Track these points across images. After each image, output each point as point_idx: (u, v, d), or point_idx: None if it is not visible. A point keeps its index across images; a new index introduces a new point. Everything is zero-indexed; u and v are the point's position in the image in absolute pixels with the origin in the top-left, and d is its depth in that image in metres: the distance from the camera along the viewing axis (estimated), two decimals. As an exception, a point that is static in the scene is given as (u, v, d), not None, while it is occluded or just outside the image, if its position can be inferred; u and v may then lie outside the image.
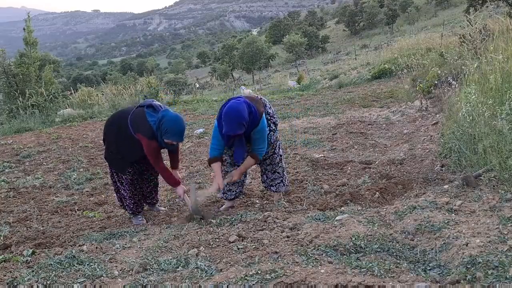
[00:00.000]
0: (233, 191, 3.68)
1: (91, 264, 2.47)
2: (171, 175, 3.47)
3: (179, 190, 3.48)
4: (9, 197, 4.55)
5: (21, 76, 12.21)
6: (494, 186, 2.96)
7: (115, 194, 3.78)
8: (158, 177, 3.79)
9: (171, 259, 2.48)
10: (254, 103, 3.27)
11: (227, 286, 2.05)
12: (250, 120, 3.17)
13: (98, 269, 2.39)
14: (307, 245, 2.48)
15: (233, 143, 3.31)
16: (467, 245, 2.17)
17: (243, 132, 3.18)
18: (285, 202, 3.64)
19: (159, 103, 3.47)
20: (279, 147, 3.65)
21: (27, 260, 2.63)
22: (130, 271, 2.38)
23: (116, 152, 3.49)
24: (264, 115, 3.32)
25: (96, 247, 2.77)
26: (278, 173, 3.67)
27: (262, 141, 3.33)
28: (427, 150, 4.61)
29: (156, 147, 3.34)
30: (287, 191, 3.90)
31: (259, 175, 3.93)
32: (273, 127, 3.49)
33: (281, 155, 3.68)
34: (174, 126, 3.24)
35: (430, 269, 2.12)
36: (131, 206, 3.62)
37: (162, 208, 3.91)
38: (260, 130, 3.28)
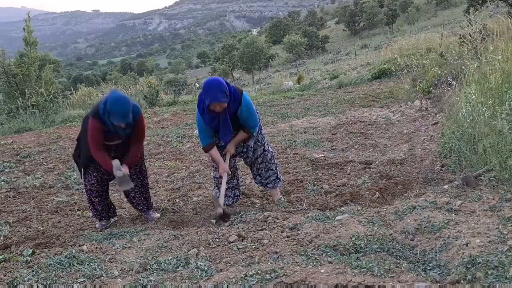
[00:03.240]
0: (229, 196, 3.66)
1: (91, 264, 2.47)
2: (105, 160, 3.27)
3: (114, 172, 3.28)
4: (9, 197, 4.55)
5: (21, 76, 12.18)
6: (494, 186, 2.96)
7: (86, 197, 3.63)
8: (146, 182, 3.70)
9: (171, 259, 2.48)
10: (232, 84, 3.34)
11: (227, 286, 2.05)
12: (231, 95, 3.21)
13: (98, 269, 2.39)
14: (307, 245, 2.48)
15: (218, 124, 3.30)
16: (467, 245, 2.17)
17: (226, 105, 3.18)
18: (285, 202, 3.64)
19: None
20: (267, 144, 3.66)
21: (27, 260, 2.63)
22: (130, 271, 2.38)
23: (80, 150, 3.46)
24: (245, 92, 3.36)
25: (96, 247, 2.77)
26: (272, 170, 3.67)
27: (252, 117, 3.36)
28: (427, 150, 4.61)
29: (97, 128, 3.19)
30: (284, 187, 3.88)
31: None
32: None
33: (271, 152, 3.69)
34: (116, 106, 3.09)
35: (430, 269, 2.12)
36: (100, 209, 3.53)
37: (156, 215, 3.70)
38: (245, 107, 3.30)
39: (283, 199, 3.71)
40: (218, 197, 3.36)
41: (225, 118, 3.27)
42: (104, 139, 3.28)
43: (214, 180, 3.69)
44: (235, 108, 3.28)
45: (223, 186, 3.39)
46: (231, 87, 3.25)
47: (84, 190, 3.61)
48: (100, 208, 3.53)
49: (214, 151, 3.42)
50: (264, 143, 3.61)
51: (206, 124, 3.32)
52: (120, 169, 3.27)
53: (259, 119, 3.56)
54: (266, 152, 3.61)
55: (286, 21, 77.23)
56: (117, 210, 3.96)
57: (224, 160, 3.44)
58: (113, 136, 3.30)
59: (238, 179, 3.77)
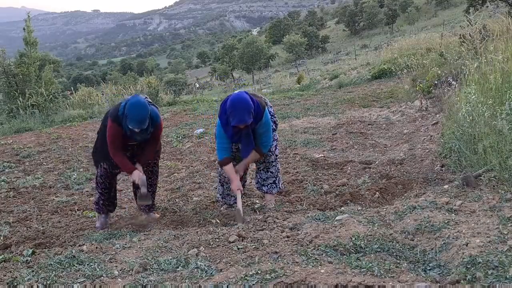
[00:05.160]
0: (232, 196, 3.66)
1: (91, 264, 2.47)
2: (126, 163, 3.31)
3: (134, 175, 3.32)
4: (9, 197, 4.55)
5: (21, 76, 12.19)
6: (494, 186, 2.96)
7: (95, 186, 3.66)
8: (156, 183, 3.72)
9: (171, 259, 2.48)
10: (255, 97, 3.28)
11: (227, 286, 2.05)
12: (255, 111, 3.16)
13: (98, 269, 2.39)
14: (307, 245, 2.48)
15: (240, 138, 3.26)
16: (467, 245, 2.17)
17: (250, 123, 3.15)
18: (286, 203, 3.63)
19: (148, 99, 3.45)
20: (275, 147, 3.61)
21: (27, 260, 2.63)
22: (130, 271, 2.38)
23: (97, 143, 3.50)
24: (266, 108, 3.31)
25: (96, 247, 2.77)
26: (271, 172, 3.60)
27: (267, 135, 3.33)
28: (427, 150, 4.61)
29: (116, 132, 3.22)
30: (280, 192, 3.84)
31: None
32: (274, 126, 3.50)
33: (276, 155, 3.64)
34: (133, 111, 3.08)
35: (430, 269, 2.12)
36: (101, 203, 3.54)
37: (156, 215, 3.69)
38: (264, 124, 3.27)
39: (275, 204, 3.58)
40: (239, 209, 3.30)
41: (247, 133, 3.23)
42: (123, 140, 3.30)
43: (219, 177, 3.69)
44: (255, 123, 3.24)
45: (239, 202, 3.30)
46: (255, 103, 3.19)
47: (94, 181, 3.67)
48: (102, 202, 3.55)
49: (230, 167, 3.33)
50: (273, 145, 3.57)
51: (227, 137, 3.27)
52: (145, 185, 3.33)
53: (277, 123, 3.52)
54: (271, 153, 3.56)
55: (286, 21, 77.31)
56: (117, 210, 3.97)
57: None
58: (130, 139, 3.30)
59: (245, 182, 3.77)
